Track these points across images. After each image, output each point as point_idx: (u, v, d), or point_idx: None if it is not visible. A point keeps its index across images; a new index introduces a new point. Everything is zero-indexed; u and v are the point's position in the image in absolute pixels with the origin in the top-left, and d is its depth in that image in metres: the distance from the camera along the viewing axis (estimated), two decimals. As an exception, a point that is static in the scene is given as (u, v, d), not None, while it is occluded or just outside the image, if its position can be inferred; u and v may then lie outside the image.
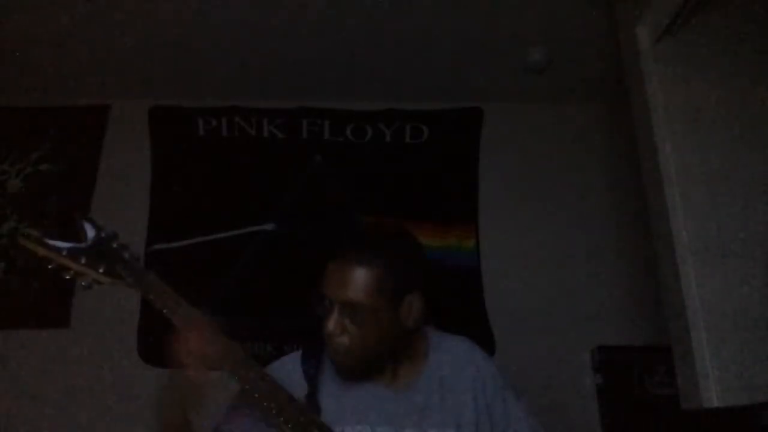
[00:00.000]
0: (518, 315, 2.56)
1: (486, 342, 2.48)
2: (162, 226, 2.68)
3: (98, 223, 0.98)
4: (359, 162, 2.83)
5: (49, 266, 0.95)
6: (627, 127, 2.08)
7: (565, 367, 2.47)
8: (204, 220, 2.69)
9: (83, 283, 0.97)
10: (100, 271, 0.96)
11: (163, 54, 2.60)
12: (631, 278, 2.62)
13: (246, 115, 2.89)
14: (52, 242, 0.94)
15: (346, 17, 2.38)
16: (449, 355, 1.20)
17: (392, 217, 2.62)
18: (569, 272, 2.65)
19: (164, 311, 1.02)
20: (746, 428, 1.62)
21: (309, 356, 1.18)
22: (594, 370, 2.47)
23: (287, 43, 2.53)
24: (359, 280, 1.06)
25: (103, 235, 0.98)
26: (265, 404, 1.00)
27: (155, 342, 2.45)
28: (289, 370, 1.16)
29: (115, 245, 0.99)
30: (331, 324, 1.08)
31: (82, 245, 0.96)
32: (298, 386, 1.10)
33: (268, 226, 2.71)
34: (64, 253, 0.95)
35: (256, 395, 1.00)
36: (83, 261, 0.95)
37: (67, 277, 0.95)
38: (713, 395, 1.51)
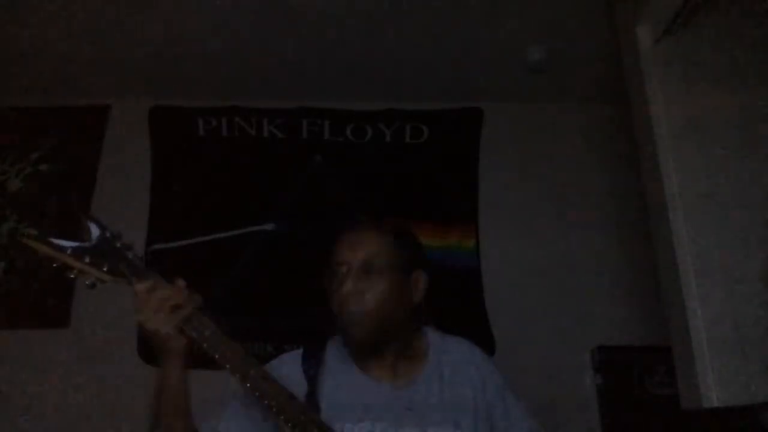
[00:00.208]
0: (518, 315, 2.56)
1: (486, 342, 2.49)
2: (162, 226, 2.68)
3: (102, 222, 0.99)
4: (359, 162, 2.83)
5: (54, 265, 0.95)
6: (627, 127, 2.08)
7: (565, 367, 2.47)
8: (204, 220, 2.69)
9: (87, 282, 0.98)
10: (104, 269, 0.97)
11: (163, 54, 2.60)
12: (631, 278, 2.62)
13: (246, 115, 2.89)
14: (56, 241, 0.95)
15: (346, 17, 2.38)
16: (449, 355, 1.21)
17: (392, 217, 2.62)
18: (569, 272, 2.64)
19: None
20: (746, 428, 1.61)
21: (309, 355, 1.18)
22: (594, 370, 2.47)
23: (287, 43, 2.53)
24: (375, 240, 1.13)
25: (107, 234, 0.99)
26: (265, 402, 1.01)
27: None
28: (289, 368, 1.16)
29: (119, 245, 1.00)
30: (350, 284, 1.10)
31: (86, 244, 0.97)
32: (297, 385, 1.10)
33: (268, 226, 2.71)
34: (69, 251, 0.96)
35: (257, 394, 1.01)
36: (87, 260, 0.96)
37: (72, 276, 0.96)
38: (713, 395, 1.51)
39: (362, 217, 2.64)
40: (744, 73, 1.77)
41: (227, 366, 1.00)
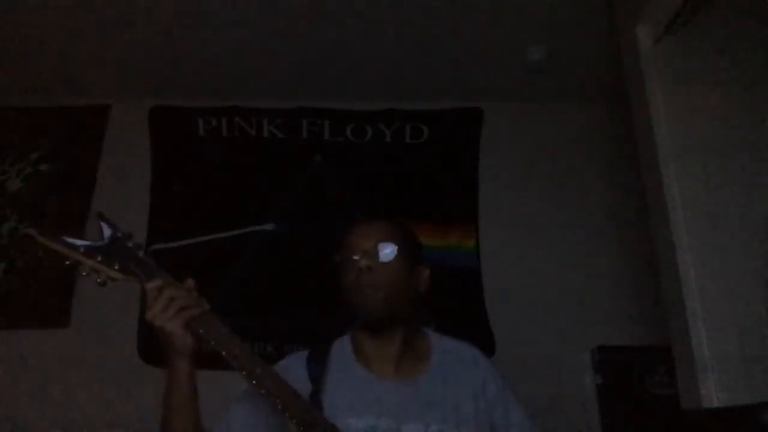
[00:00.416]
0: (518, 315, 2.56)
1: (486, 342, 2.49)
2: (162, 226, 2.68)
3: (114, 223, 1.02)
4: (359, 162, 2.83)
5: (66, 263, 0.97)
6: (627, 127, 2.08)
7: (565, 367, 2.47)
8: (204, 220, 2.69)
9: (98, 280, 0.99)
10: (115, 267, 0.99)
11: (163, 54, 2.61)
12: (631, 278, 2.62)
13: (246, 115, 2.89)
14: (70, 240, 0.98)
15: (346, 17, 2.38)
16: (453, 355, 1.23)
17: (392, 217, 2.61)
18: (569, 272, 2.64)
19: None
20: (746, 428, 1.62)
21: (315, 357, 1.21)
22: (594, 370, 2.46)
23: (287, 43, 2.53)
24: (385, 229, 1.22)
25: (119, 234, 1.02)
26: (270, 400, 1.03)
27: (155, 342, 2.45)
28: (295, 369, 1.17)
29: (130, 244, 1.02)
30: (364, 262, 1.16)
31: (98, 243, 1.00)
32: (302, 386, 1.12)
33: (268, 226, 2.71)
34: (82, 250, 0.98)
35: (263, 391, 1.02)
36: (99, 258, 0.99)
37: (84, 274, 0.98)
38: (713, 395, 1.51)
39: (363, 216, 2.65)
40: (744, 72, 1.77)
41: (234, 363, 1.02)
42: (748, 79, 1.77)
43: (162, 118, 2.89)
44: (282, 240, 2.69)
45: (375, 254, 1.17)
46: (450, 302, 2.47)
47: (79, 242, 0.98)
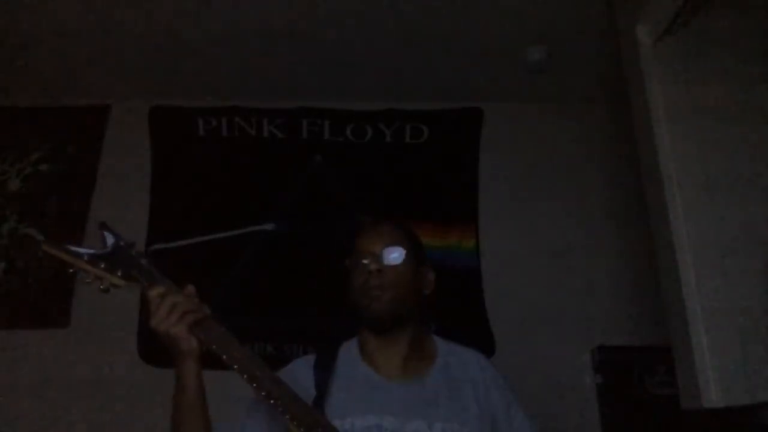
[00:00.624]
0: (518, 315, 2.56)
1: (486, 342, 2.49)
2: (162, 226, 2.68)
3: (117, 232, 1.05)
4: (359, 162, 2.83)
5: (71, 270, 1.01)
6: (627, 127, 2.08)
7: (565, 367, 2.47)
8: (204, 220, 2.69)
9: (101, 286, 1.03)
10: (118, 274, 1.03)
11: (163, 54, 2.60)
12: (631, 278, 2.62)
13: (246, 115, 2.89)
14: (73, 248, 1.01)
15: (345, 17, 2.38)
16: (457, 358, 1.25)
17: (392, 217, 2.61)
18: (569, 272, 2.65)
19: None
20: (746, 428, 1.62)
21: (322, 363, 1.22)
22: (594, 370, 2.47)
23: (287, 43, 2.53)
24: (393, 233, 1.26)
25: (121, 243, 1.05)
26: (272, 402, 1.04)
27: (155, 342, 2.45)
28: (301, 374, 1.19)
29: (132, 252, 1.06)
30: (373, 265, 1.19)
31: (102, 252, 1.03)
32: (307, 390, 1.13)
33: (268, 226, 2.71)
34: (85, 258, 1.01)
35: (263, 394, 1.04)
36: (102, 266, 1.02)
37: (88, 281, 1.01)
38: (713, 395, 1.51)
39: (363, 217, 2.65)
40: (744, 72, 1.77)
41: (235, 367, 1.04)
42: (748, 78, 1.77)
43: (162, 118, 2.89)
44: (282, 240, 2.69)
45: (383, 257, 1.20)
46: (450, 302, 2.46)
47: (82, 250, 1.01)
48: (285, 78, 2.76)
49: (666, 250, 1.72)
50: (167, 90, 2.84)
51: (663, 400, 2.32)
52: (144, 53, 2.60)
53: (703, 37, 1.78)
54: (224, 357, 1.04)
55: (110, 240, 1.04)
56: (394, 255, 1.21)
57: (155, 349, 2.45)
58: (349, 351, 1.25)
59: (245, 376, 1.03)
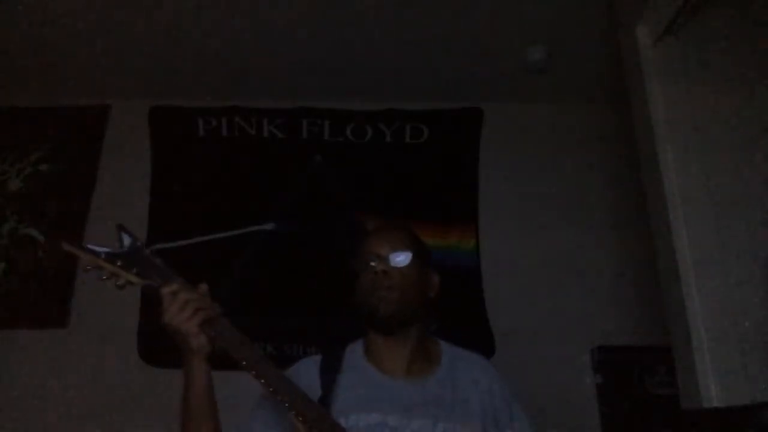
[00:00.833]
0: (518, 315, 2.56)
1: (486, 342, 2.49)
2: (162, 226, 2.68)
3: (133, 233, 1.10)
4: (359, 162, 2.83)
5: (88, 267, 1.05)
6: (627, 127, 2.08)
7: (565, 367, 2.47)
8: (204, 219, 2.69)
9: (117, 283, 1.07)
10: (134, 272, 1.07)
11: (163, 54, 2.61)
12: (631, 278, 2.62)
13: (246, 115, 2.89)
14: (91, 247, 1.06)
15: (345, 17, 2.38)
16: (462, 361, 1.28)
17: (392, 217, 2.62)
18: (569, 272, 2.64)
19: None
20: (746, 428, 1.62)
21: (328, 363, 1.24)
22: (594, 370, 2.47)
23: (287, 43, 2.53)
24: (400, 236, 1.29)
25: (138, 243, 1.09)
26: (278, 398, 1.07)
27: (155, 342, 2.46)
28: (307, 373, 1.21)
29: (147, 252, 1.10)
30: (381, 267, 1.23)
31: (119, 251, 1.07)
32: (313, 390, 1.15)
33: (268, 226, 2.71)
34: (103, 256, 1.05)
35: (271, 389, 1.07)
36: (119, 263, 1.06)
37: (104, 278, 1.06)
38: (713, 395, 1.51)
39: (363, 217, 2.65)
40: (744, 72, 1.77)
41: (243, 363, 1.07)
42: (748, 78, 1.77)
43: (162, 118, 2.89)
44: (282, 240, 2.69)
45: (390, 260, 1.24)
46: (450, 302, 2.45)
47: (100, 249, 1.06)
48: (285, 78, 2.76)
49: (666, 249, 1.72)
50: (167, 90, 2.84)
51: (663, 400, 2.32)
52: (144, 53, 2.60)
53: (703, 37, 1.78)
54: (233, 354, 1.07)
55: (127, 240, 1.08)
56: (401, 258, 1.24)
57: (155, 349, 2.46)
58: (354, 351, 1.27)
59: (254, 372, 1.06)
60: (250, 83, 2.81)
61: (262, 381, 1.07)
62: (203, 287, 1.12)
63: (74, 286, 2.55)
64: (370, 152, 2.86)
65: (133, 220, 2.61)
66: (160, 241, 2.64)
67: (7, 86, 2.79)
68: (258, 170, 2.82)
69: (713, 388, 1.52)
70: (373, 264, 1.24)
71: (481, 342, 2.47)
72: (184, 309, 1.06)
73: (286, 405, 1.06)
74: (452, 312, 2.38)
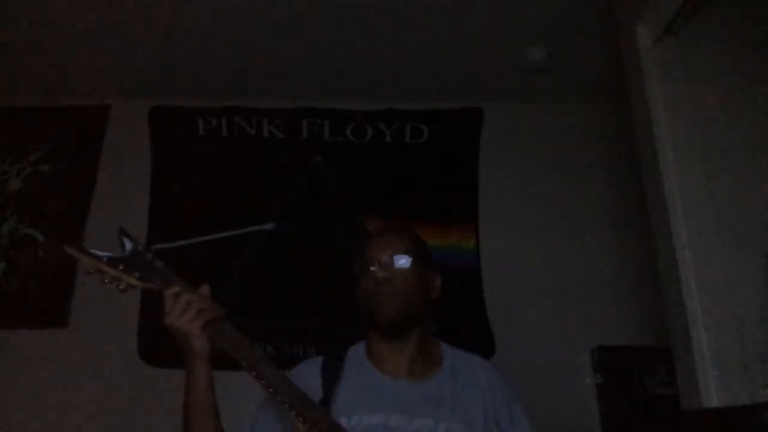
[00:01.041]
0: (518, 315, 2.56)
1: (486, 342, 2.49)
2: (162, 226, 2.68)
3: (134, 237, 1.11)
4: (359, 162, 2.83)
5: (90, 271, 1.06)
6: (627, 127, 2.08)
7: (565, 367, 2.47)
8: (204, 219, 2.69)
9: (120, 287, 1.08)
10: (136, 276, 1.08)
11: (163, 54, 2.61)
12: (631, 278, 2.62)
13: (246, 115, 2.89)
14: (93, 251, 1.06)
15: (345, 17, 2.38)
16: (464, 363, 1.28)
17: (392, 217, 2.62)
18: (569, 272, 2.64)
19: None
20: (746, 428, 1.62)
21: (330, 364, 1.24)
22: (594, 370, 2.47)
23: (287, 43, 2.53)
24: (400, 240, 1.28)
25: (139, 247, 1.10)
26: (279, 399, 1.07)
27: (155, 342, 2.46)
28: (309, 374, 1.21)
29: (149, 256, 1.11)
30: (381, 272, 1.23)
31: (120, 255, 1.08)
32: (315, 391, 1.15)
33: (268, 226, 2.71)
34: (105, 260, 1.06)
35: (271, 390, 1.07)
36: (121, 267, 1.07)
37: (106, 281, 1.07)
38: (713, 395, 1.51)
39: (362, 217, 2.65)
40: (744, 72, 1.77)
41: (244, 363, 1.08)
42: (748, 78, 1.77)
43: (162, 118, 2.89)
44: (282, 240, 2.69)
45: (392, 265, 1.23)
46: (450, 302, 2.45)
47: (102, 253, 1.07)
48: (285, 78, 2.76)
49: (666, 249, 1.72)
50: (167, 90, 2.84)
51: (663, 400, 2.32)
52: (144, 53, 2.60)
53: (703, 37, 1.78)
54: (234, 355, 1.08)
55: (128, 244, 1.09)
56: (402, 262, 1.24)
57: (155, 349, 2.46)
58: (356, 352, 1.28)
59: (254, 373, 1.07)
60: (250, 83, 2.81)
61: (263, 382, 1.07)
62: (205, 288, 1.13)
63: (74, 286, 2.55)
64: (370, 152, 2.86)
65: (133, 220, 2.61)
66: (160, 241, 2.64)
67: (7, 86, 2.79)
68: (258, 170, 2.82)
69: (713, 388, 1.52)
70: (373, 269, 1.23)
71: (481, 342, 2.47)
72: (187, 311, 1.07)
73: (287, 406, 1.06)
74: (452, 312, 2.39)
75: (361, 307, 1.25)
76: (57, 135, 2.85)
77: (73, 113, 2.88)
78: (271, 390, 1.07)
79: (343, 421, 1.10)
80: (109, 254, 1.07)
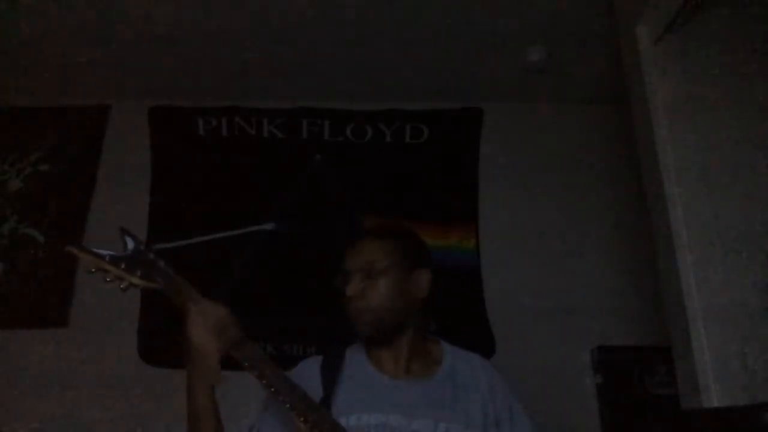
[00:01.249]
0: (518, 315, 2.56)
1: (486, 342, 2.49)
2: (162, 226, 2.68)
3: (137, 237, 1.12)
4: (359, 162, 2.83)
5: (92, 270, 1.06)
6: (627, 127, 2.08)
7: (565, 367, 2.47)
8: (204, 219, 2.69)
9: (121, 286, 1.09)
10: (138, 275, 1.09)
11: (163, 54, 2.60)
12: (631, 278, 2.62)
13: (246, 115, 2.89)
14: (95, 250, 1.07)
15: (346, 17, 2.38)
16: (464, 363, 1.27)
17: (392, 217, 2.62)
18: (569, 272, 2.64)
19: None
20: (746, 428, 1.61)
21: (329, 363, 1.24)
22: (594, 370, 2.47)
23: (287, 43, 2.53)
24: (374, 247, 1.26)
25: (141, 247, 1.11)
26: (280, 399, 1.07)
27: (155, 342, 2.46)
28: (308, 374, 1.21)
29: (151, 255, 1.12)
30: (351, 289, 1.22)
31: (122, 254, 1.09)
32: (315, 391, 1.15)
33: (268, 226, 2.71)
34: (107, 259, 1.07)
35: (272, 389, 1.08)
36: (123, 266, 1.08)
37: (108, 280, 1.08)
38: (713, 395, 1.51)
39: (364, 217, 2.65)
40: (744, 72, 1.77)
41: (245, 363, 1.09)
42: (748, 78, 1.77)
43: (162, 118, 2.89)
44: (282, 240, 2.69)
45: (364, 277, 1.22)
46: (450, 302, 2.46)
47: (104, 252, 1.08)
48: (285, 78, 2.76)
49: (666, 249, 1.72)
50: (167, 90, 2.84)
51: (663, 400, 2.32)
52: (144, 53, 2.60)
53: (703, 36, 1.77)
54: (235, 354, 1.09)
55: (130, 243, 1.10)
56: (374, 273, 1.22)
57: (155, 349, 2.46)
58: (355, 352, 1.27)
59: (255, 373, 1.08)
60: (250, 83, 2.80)
61: (264, 381, 1.07)
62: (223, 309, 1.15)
63: (74, 286, 2.55)
64: (370, 152, 2.86)
65: (133, 220, 2.61)
66: (160, 241, 2.64)
67: (7, 86, 2.79)
68: (258, 170, 2.82)
69: (713, 388, 1.52)
70: (345, 287, 1.23)
71: (481, 342, 2.47)
72: (210, 331, 1.09)
73: (288, 405, 1.06)
74: (452, 312, 2.40)
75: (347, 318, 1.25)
76: (57, 135, 2.84)
77: (73, 113, 2.88)
78: (272, 390, 1.07)
79: (342, 421, 1.10)
80: (111, 253, 1.07)
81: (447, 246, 2.67)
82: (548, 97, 2.86)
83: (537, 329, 2.53)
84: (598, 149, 2.85)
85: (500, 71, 2.70)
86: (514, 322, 2.54)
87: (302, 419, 1.05)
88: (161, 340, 2.44)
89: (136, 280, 1.08)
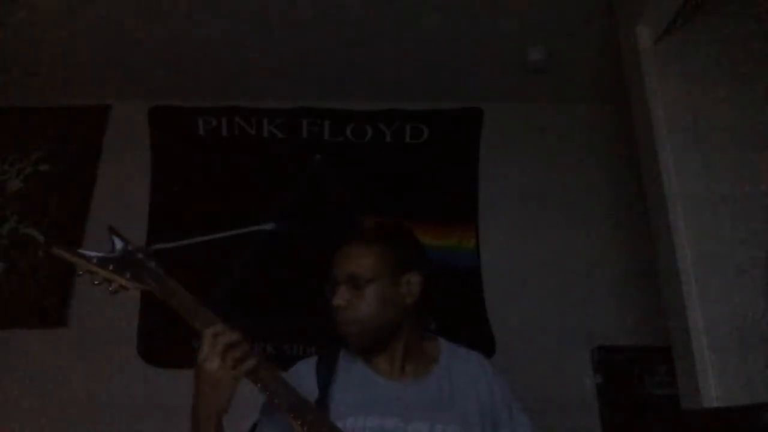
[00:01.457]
0: (518, 315, 2.56)
1: (486, 342, 2.49)
2: (162, 226, 2.68)
3: (125, 237, 1.09)
4: (359, 162, 2.83)
5: (80, 273, 1.04)
6: (627, 127, 2.08)
7: (565, 367, 2.47)
8: (204, 219, 2.69)
9: (110, 288, 1.06)
10: (127, 276, 1.06)
11: (163, 54, 2.60)
12: (632, 278, 2.62)
13: (246, 115, 2.89)
14: (83, 252, 1.04)
15: (346, 17, 2.38)
16: (461, 361, 1.25)
17: (392, 217, 2.61)
18: (569, 272, 2.64)
19: (185, 316, 1.08)
20: (746, 428, 1.62)
21: (324, 363, 1.22)
22: (594, 370, 2.47)
23: (287, 43, 2.53)
24: (360, 255, 1.20)
25: (129, 247, 1.08)
26: (275, 401, 1.05)
27: (155, 342, 2.46)
28: (304, 375, 1.20)
29: (140, 256, 1.08)
30: (337, 299, 1.17)
31: (110, 255, 1.06)
32: (311, 391, 1.14)
33: (268, 226, 2.71)
34: (95, 261, 1.04)
35: (267, 393, 1.05)
36: (111, 268, 1.05)
37: (96, 282, 1.05)
38: (713, 395, 1.51)
39: (362, 217, 2.65)
40: (743, 72, 1.77)
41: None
42: (747, 78, 1.77)
43: (162, 118, 2.89)
44: (282, 240, 2.69)
45: (349, 287, 1.17)
46: (450, 302, 2.47)
47: (91, 254, 1.05)
48: (285, 78, 2.76)
49: (666, 249, 1.72)
50: (167, 90, 2.84)
51: (663, 400, 2.32)
52: (144, 53, 2.60)
53: (703, 37, 1.78)
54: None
55: (119, 244, 1.07)
56: (358, 284, 1.16)
57: (155, 349, 2.46)
58: (350, 353, 1.25)
59: (250, 376, 1.04)
60: (250, 83, 2.81)
61: (259, 384, 1.05)
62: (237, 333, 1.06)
63: (74, 286, 2.55)
64: (370, 152, 2.86)
65: (133, 220, 2.61)
66: (160, 241, 2.64)
67: (7, 86, 2.79)
68: (258, 170, 2.82)
69: (713, 388, 1.52)
70: (331, 299, 1.19)
71: (481, 342, 2.46)
72: (224, 358, 1.01)
73: (284, 409, 1.05)
74: (452, 312, 2.41)
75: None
76: (57, 135, 2.85)
77: (73, 113, 2.88)
78: (267, 392, 1.05)
79: (338, 424, 1.08)
80: (98, 254, 1.04)
81: (447, 246, 2.67)
82: (548, 97, 2.86)
83: (537, 329, 2.52)
84: (598, 149, 2.85)
85: (500, 71, 2.70)
86: (514, 322, 2.54)
87: (299, 422, 1.03)
88: (161, 340, 2.44)
89: (125, 282, 1.05)
